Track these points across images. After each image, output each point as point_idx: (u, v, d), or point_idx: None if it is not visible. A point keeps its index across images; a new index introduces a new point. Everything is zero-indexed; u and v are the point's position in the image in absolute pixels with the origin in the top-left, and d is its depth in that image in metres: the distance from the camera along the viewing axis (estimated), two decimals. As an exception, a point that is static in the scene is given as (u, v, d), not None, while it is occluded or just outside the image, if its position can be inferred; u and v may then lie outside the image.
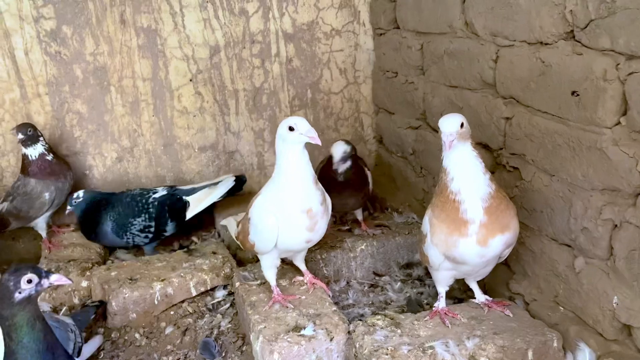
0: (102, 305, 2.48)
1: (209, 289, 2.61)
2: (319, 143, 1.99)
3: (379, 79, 3.41)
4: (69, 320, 2.12)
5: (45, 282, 1.61)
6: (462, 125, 1.84)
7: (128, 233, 2.86)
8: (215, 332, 2.43)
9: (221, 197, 3.05)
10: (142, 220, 2.87)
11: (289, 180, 2.05)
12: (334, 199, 2.24)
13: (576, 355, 1.92)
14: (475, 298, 2.20)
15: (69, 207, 2.85)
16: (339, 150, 2.58)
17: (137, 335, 2.45)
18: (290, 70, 3.37)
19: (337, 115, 3.52)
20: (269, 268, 2.25)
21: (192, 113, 3.30)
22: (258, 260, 2.34)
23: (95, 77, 3.13)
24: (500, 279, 2.36)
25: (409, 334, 2.00)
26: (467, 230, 1.87)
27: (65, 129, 3.17)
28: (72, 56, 3.07)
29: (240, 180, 3.12)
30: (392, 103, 3.27)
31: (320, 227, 2.11)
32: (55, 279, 1.63)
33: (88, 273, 2.70)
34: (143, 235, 2.88)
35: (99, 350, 2.35)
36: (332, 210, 2.23)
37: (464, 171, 1.88)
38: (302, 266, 2.37)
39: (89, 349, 2.26)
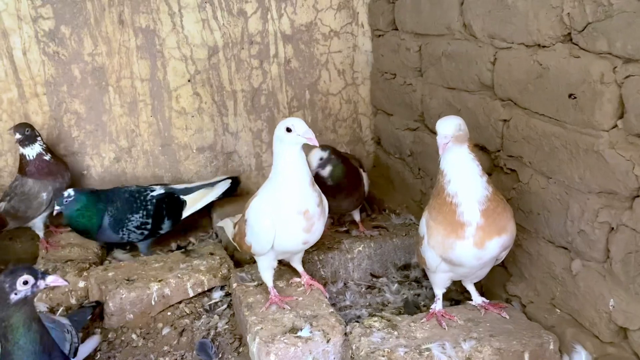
0: (98, 306, 2.48)
1: (206, 289, 2.61)
2: (317, 144, 2.01)
3: (377, 81, 3.41)
4: (65, 321, 2.11)
5: (42, 284, 1.61)
6: (459, 128, 1.84)
7: (124, 229, 2.83)
8: (212, 333, 2.43)
9: (216, 198, 3.09)
10: (140, 217, 2.85)
11: (286, 181, 2.05)
12: (328, 202, 2.24)
13: (572, 358, 1.92)
14: (472, 300, 2.20)
15: (57, 208, 2.72)
16: (314, 158, 2.51)
17: (134, 336, 2.44)
18: (289, 71, 3.38)
19: (335, 116, 3.52)
20: (266, 269, 2.25)
21: (190, 113, 3.30)
22: (255, 262, 2.34)
23: (93, 78, 3.13)
24: (497, 281, 2.37)
25: (406, 336, 2.00)
26: (464, 232, 1.87)
27: (63, 129, 3.17)
28: (70, 56, 3.08)
29: (235, 182, 3.18)
30: (390, 104, 3.27)
31: (317, 228, 2.11)
32: (52, 280, 1.63)
33: (85, 273, 2.70)
34: (139, 232, 2.87)
35: (95, 350, 2.34)
36: (328, 212, 2.23)
37: (461, 174, 1.88)
38: (299, 267, 2.37)
39: (85, 349, 2.25)
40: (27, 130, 2.82)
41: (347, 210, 2.79)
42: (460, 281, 2.24)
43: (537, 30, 1.96)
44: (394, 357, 1.89)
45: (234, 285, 2.42)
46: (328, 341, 2.05)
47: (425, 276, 2.55)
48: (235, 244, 2.41)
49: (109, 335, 2.44)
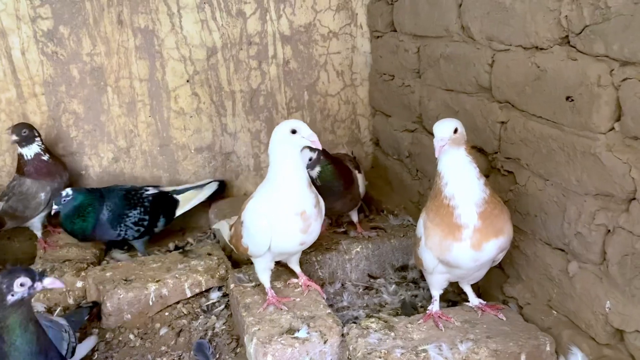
0: (95, 306, 2.48)
1: (203, 290, 2.61)
2: (320, 147, 2.02)
3: (375, 82, 3.42)
4: (63, 321, 2.11)
5: (39, 286, 1.61)
6: (455, 130, 1.85)
7: (122, 224, 2.83)
8: (210, 333, 2.43)
9: (205, 199, 3.18)
10: (138, 213, 2.87)
11: (285, 182, 2.05)
12: None
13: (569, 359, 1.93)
14: (469, 301, 2.20)
15: (55, 207, 2.71)
16: (303, 159, 2.51)
17: (131, 336, 2.45)
18: (287, 72, 3.38)
19: (333, 117, 3.53)
20: (263, 271, 2.25)
21: (189, 114, 3.30)
22: (253, 262, 2.34)
23: (92, 78, 3.13)
24: (494, 283, 2.37)
25: (403, 337, 2.00)
26: (461, 234, 1.88)
27: (62, 129, 3.17)
28: (68, 56, 3.08)
29: (222, 184, 3.30)
30: (389, 106, 3.27)
31: (313, 229, 2.12)
32: (49, 282, 1.63)
33: (83, 273, 2.70)
34: (136, 228, 2.87)
35: (93, 351, 2.35)
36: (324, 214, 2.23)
37: (458, 176, 1.89)
38: (296, 268, 2.38)
39: (83, 349, 2.26)
40: (24, 131, 2.83)
41: (340, 211, 2.78)
42: (457, 282, 2.24)
43: (535, 32, 1.96)
44: (391, 358, 1.89)
45: (232, 285, 2.43)
46: (325, 342, 2.05)
47: (422, 277, 2.55)
48: (232, 246, 2.41)
49: (107, 336, 2.45)
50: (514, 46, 2.10)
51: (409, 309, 2.45)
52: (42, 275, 1.63)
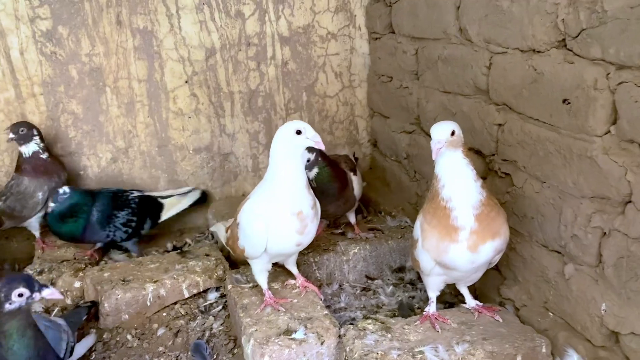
0: (93, 306, 2.49)
1: (201, 291, 2.62)
2: (323, 148, 2.04)
3: (374, 83, 3.43)
4: (61, 321, 2.12)
5: (37, 296, 1.63)
6: (452, 133, 1.86)
7: (111, 225, 2.83)
8: (207, 334, 2.43)
9: (188, 206, 3.21)
10: (126, 214, 2.87)
11: (284, 181, 2.06)
12: None
13: (564, 361, 1.94)
14: (465, 303, 2.21)
15: (52, 205, 2.69)
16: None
17: (129, 337, 2.45)
18: (286, 73, 3.38)
19: (332, 118, 3.54)
20: (260, 272, 2.26)
21: (187, 115, 3.30)
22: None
23: (90, 78, 3.13)
24: (491, 284, 2.38)
25: (399, 339, 2.01)
26: (457, 236, 1.89)
27: (60, 129, 3.17)
28: (67, 57, 3.08)
29: (204, 195, 3.35)
30: (387, 107, 3.28)
31: (310, 230, 2.13)
32: (48, 293, 1.65)
33: (81, 274, 2.70)
34: (124, 229, 2.87)
35: (90, 351, 2.35)
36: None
37: (455, 178, 1.89)
38: (294, 269, 2.38)
39: (81, 349, 2.26)
40: (22, 130, 2.84)
41: (334, 214, 2.78)
42: (454, 284, 2.25)
43: (532, 35, 1.97)
44: (387, 359, 1.90)
45: (229, 286, 2.43)
46: (322, 343, 2.06)
47: (419, 279, 2.55)
48: (228, 248, 2.42)
49: (104, 336, 2.45)
50: (511, 49, 2.11)
51: (406, 310, 2.46)
52: (42, 285, 1.64)
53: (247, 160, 3.47)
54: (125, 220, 2.87)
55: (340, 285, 2.69)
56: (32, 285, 1.61)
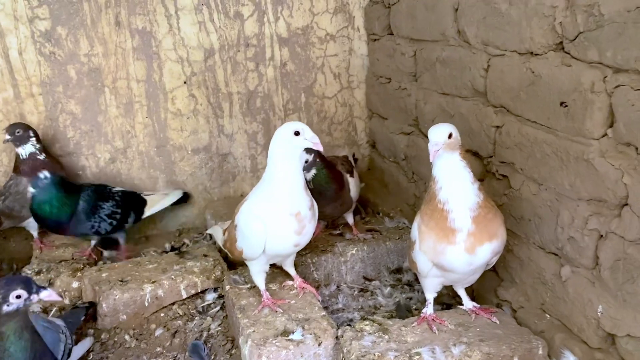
0: (92, 307, 2.49)
1: (199, 291, 2.62)
2: (322, 149, 2.04)
3: (372, 84, 3.43)
4: (60, 322, 2.12)
5: (35, 298, 1.63)
6: (450, 135, 1.86)
7: (97, 216, 2.80)
8: (205, 334, 2.44)
9: (170, 204, 3.23)
10: (111, 206, 2.85)
11: (283, 183, 2.06)
12: None
13: (561, 363, 1.94)
14: (463, 304, 2.22)
15: (32, 190, 2.61)
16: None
17: (126, 337, 2.45)
18: (285, 74, 3.39)
19: (330, 119, 3.54)
20: (258, 273, 2.26)
21: (186, 115, 3.31)
22: (248, 264, 2.35)
23: (89, 78, 3.13)
24: (488, 286, 2.38)
25: (397, 340, 2.02)
26: (455, 238, 1.89)
27: (59, 130, 3.17)
28: (66, 57, 3.08)
29: (186, 195, 3.37)
30: (385, 108, 3.29)
31: (308, 231, 2.13)
32: (46, 295, 1.65)
33: (79, 274, 2.71)
34: (109, 221, 2.84)
35: (88, 351, 2.35)
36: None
37: (453, 181, 1.90)
38: (291, 270, 2.39)
39: (78, 350, 2.26)
40: (18, 131, 2.84)
41: (331, 215, 2.79)
42: (451, 285, 2.26)
43: (530, 38, 1.98)
44: (385, 361, 1.91)
45: (227, 287, 2.44)
46: (319, 344, 2.06)
47: (417, 280, 2.56)
48: (226, 250, 2.42)
49: (102, 336, 2.45)
50: (509, 51, 2.12)
51: (404, 311, 2.46)
52: (40, 287, 1.64)
53: (245, 161, 3.47)
54: (110, 211, 2.85)
55: (338, 286, 2.70)
56: (30, 287, 1.61)
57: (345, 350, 2.00)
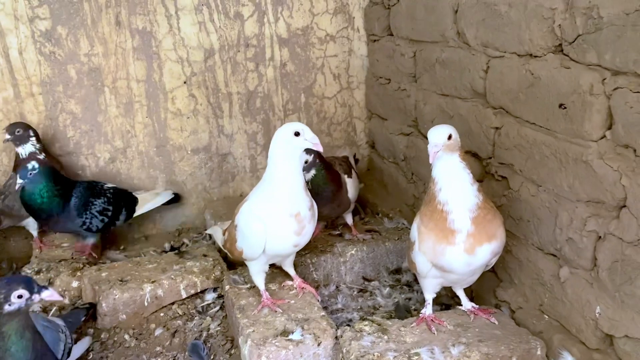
0: (92, 308, 2.49)
1: (199, 291, 2.63)
2: (321, 149, 2.05)
3: (372, 85, 3.44)
4: (60, 322, 2.12)
5: (36, 297, 1.63)
6: (449, 136, 1.87)
7: (88, 212, 2.78)
8: (205, 334, 2.44)
9: (161, 204, 3.22)
10: (102, 202, 2.84)
11: (283, 183, 2.07)
12: None
13: (559, 364, 1.95)
14: (461, 305, 2.22)
15: (20, 181, 2.56)
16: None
17: (126, 337, 2.46)
18: (284, 75, 3.39)
19: (330, 119, 3.55)
20: (258, 273, 2.27)
21: (186, 115, 3.31)
22: (248, 264, 2.36)
23: (89, 78, 3.14)
24: (487, 287, 2.39)
25: (396, 340, 2.02)
26: (454, 239, 1.90)
27: (59, 129, 3.17)
28: (66, 57, 3.08)
29: (177, 196, 3.36)
30: (385, 109, 3.29)
31: (307, 231, 2.14)
32: (47, 295, 1.65)
33: (79, 273, 2.71)
34: (100, 217, 2.83)
35: (88, 351, 2.36)
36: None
37: (452, 182, 1.91)
38: (291, 271, 2.39)
39: (77, 350, 2.27)
40: (18, 131, 2.85)
41: (328, 216, 2.79)
42: (450, 286, 2.26)
43: (529, 40, 1.98)
44: (384, 361, 1.92)
45: (227, 287, 2.44)
46: (319, 344, 2.07)
47: (416, 280, 2.57)
48: (226, 251, 2.42)
49: (102, 336, 2.46)
50: (508, 53, 2.12)
51: (403, 311, 2.47)
52: (41, 287, 1.64)
53: (245, 161, 3.48)
54: (101, 208, 2.83)
55: (337, 287, 2.71)
56: (31, 286, 1.61)
57: (344, 351, 2.01)
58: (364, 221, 3.12)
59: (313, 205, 2.17)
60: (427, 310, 2.15)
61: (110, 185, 2.99)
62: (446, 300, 2.51)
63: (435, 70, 2.64)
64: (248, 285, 2.41)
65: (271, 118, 3.43)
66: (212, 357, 2.32)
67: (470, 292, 2.42)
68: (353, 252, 2.75)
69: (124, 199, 3.00)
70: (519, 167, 2.13)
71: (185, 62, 3.23)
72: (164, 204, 3.24)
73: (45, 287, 1.65)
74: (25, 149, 2.87)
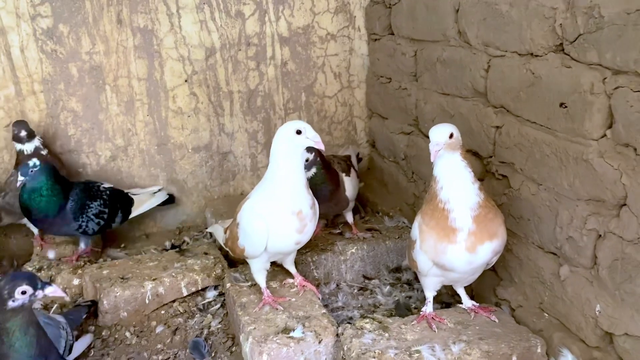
0: (93, 305, 2.50)
1: (199, 289, 2.63)
2: (323, 148, 2.06)
3: (372, 84, 3.44)
4: (61, 319, 2.13)
5: (40, 294, 1.64)
6: (451, 135, 1.88)
7: (85, 215, 2.74)
8: (205, 332, 2.45)
9: (155, 205, 3.21)
10: (98, 205, 2.80)
11: (284, 181, 2.08)
12: None
13: (559, 361, 1.96)
14: (462, 303, 2.23)
15: (21, 178, 2.53)
16: None
17: (127, 334, 2.46)
18: (285, 73, 3.40)
19: (330, 118, 3.56)
20: (259, 271, 2.28)
21: (187, 113, 3.32)
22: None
23: (90, 76, 3.14)
24: (487, 285, 2.40)
25: (397, 338, 2.03)
26: (455, 237, 1.91)
27: (60, 127, 3.18)
28: (67, 55, 3.09)
29: (171, 197, 3.35)
30: (385, 108, 3.30)
31: (309, 229, 2.15)
32: (51, 291, 1.66)
33: (80, 271, 2.72)
34: (96, 220, 2.79)
35: (89, 348, 2.36)
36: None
37: (453, 180, 1.92)
38: (292, 269, 2.40)
39: (79, 347, 2.27)
40: (26, 128, 2.88)
41: (325, 215, 2.80)
42: (450, 285, 2.27)
43: (530, 39, 1.99)
44: (385, 358, 1.92)
45: (228, 285, 2.45)
46: (320, 342, 2.07)
47: (416, 279, 2.58)
48: (227, 249, 2.43)
49: (103, 333, 2.46)
50: (509, 52, 2.13)
51: (403, 310, 2.48)
52: (45, 283, 1.65)
53: (245, 160, 3.48)
54: (97, 211, 2.79)
55: (337, 285, 2.72)
56: (35, 282, 1.62)
57: (345, 348, 2.02)
58: (365, 220, 3.13)
59: (315, 203, 2.17)
60: (428, 308, 2.16)
61: (107, 185, 2.96)
62: (446, 298, 2.52)
63: (436, 70, 2.65)
64: (249, 283, 2.42)
65: (272, 117, 3.44)
66: (213, 355, 2.33)
67: (471, 291, 2.42)
68: (353, 250, 2.75)
69: (120, 201, 2.97)
70: (520, 166, 2.14)
71: (187, 60, 3.24)
72: (158, 205, 3.23)
73: (49, 284, 1.66)
74: (32, 144, 2.89)
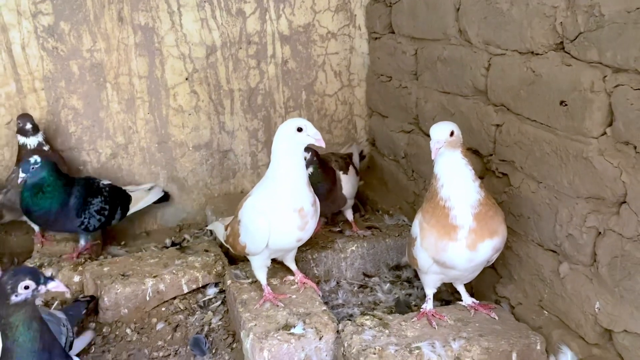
0: (93, 300, 2.51)
1: (200, 286, 2.64)
2: (324, 145, 2.07)
3: (373, 83, 3.45)
4: (61, 315, 2.14)
5: (43, 289, 1.64)
6: (452, 133, 1.89)
7: (87, 212, 2.75)
8: (206, 328, 2.46)
9: (151, 203, 3.21)
10: (100, 201, 2.81)
11: (286, 178, 2.08)
12: None
13: (559, 358, 1.97)
14: (462, 300, 2.24)
15: (23, 175, 2.51)
16: None
17: (128, 331, 2.47)
18: (286, 72, 3.41)
19: (330, 117, 3.56)
20: (260, 268, 2.28)
21: (187, 111, 3.32)
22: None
23: (91, 74, 3.15)
24: (487, 282, 2.41)
25: (397, 335, 2.04)
26: (456, 235, 1.92)
27: (61, 125, 3.18)
28: (68, 52, 3.09)
29: (167, 195, 3.36)
30: (386, 106, 3.31)
31: (310, 226, 2.16)
32: (54, 286, 1.66)
33: (80, 268, 2.72)
34: (98, 217, 2.80)
35: (90, 344, 2.37)
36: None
37: (454, 178, 1.92)
38: (292, 266, 2.41)
39: (80, 343, 2.28)
40: (30, 121, 2.90)
41: (322, 213, 2.79)
42: (450, 282, 2.28)
43: (531, 38, 2.00)
44: (385, 355, 1.93)
45: (228, 282, 2.46)
46: (320, 338, 2.08)
47: (416, 276, 2.59)
48: (227, 246, 2.44)
49: (104, 330, 2.47)
50: (510, 51, 2.14)
51: (403, 307, 2.48)
52: (48, 278, 1.66)
53: (246, 158, 3.49)
54: (99, 207, 2.80)
55: (337, 282, 2.72)
56: (38, 277, 1.62)
57: (346, 344, 2.03)
58: (365, 218, 3.14)
59: (316, 200, 2.18)
60: (428, 305, 2.17)
61: (106, 182, 2.96)
62: (446, 296, 2.53)
63: (436, 68, 2.66)
64: (250, 280, 2.43)
65: (272, 115, 3.45)
66: (213, 351, 2.34)
67: (471, 288, 2.43)
68: (353, 248, 2.76)
69: (119, 197, 2.98)
70: (520, 164, 2.15)
71: (187, 58, 3.24)
72: (154, 203, 3.23)
73: (51, 279, 1.66)
74: (36, 138, 2.90)
